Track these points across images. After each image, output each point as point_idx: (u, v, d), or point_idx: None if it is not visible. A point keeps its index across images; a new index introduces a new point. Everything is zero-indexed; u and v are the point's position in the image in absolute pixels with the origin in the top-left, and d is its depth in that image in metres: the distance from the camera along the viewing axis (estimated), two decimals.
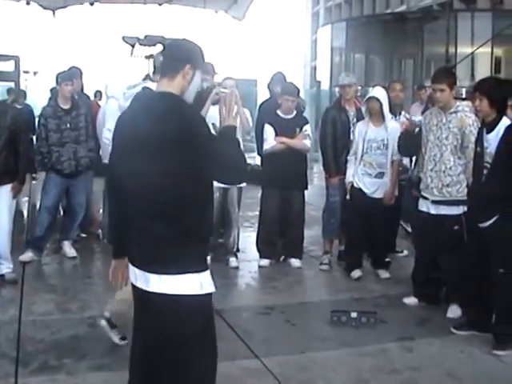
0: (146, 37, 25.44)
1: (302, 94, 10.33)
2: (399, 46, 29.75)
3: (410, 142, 6.88)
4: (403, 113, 8.41)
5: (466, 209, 6.22)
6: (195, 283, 3.49)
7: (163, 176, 3.41)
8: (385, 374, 5.15)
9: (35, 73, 37.66)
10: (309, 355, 5.53)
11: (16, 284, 7.24)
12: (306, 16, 43.98)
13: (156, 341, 3.58)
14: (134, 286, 3.65)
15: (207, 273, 3.56)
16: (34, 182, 13.82)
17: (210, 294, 3.57)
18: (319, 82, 32.31)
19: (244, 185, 8.15)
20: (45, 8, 14.10)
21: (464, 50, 23.73)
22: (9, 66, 28.62)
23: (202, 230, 3.61)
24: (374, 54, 32.00)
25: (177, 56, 3.65)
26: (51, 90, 13.72)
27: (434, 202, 6.46)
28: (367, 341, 5.82)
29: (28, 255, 8.13)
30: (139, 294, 3.60)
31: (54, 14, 14.12)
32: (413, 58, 30.25)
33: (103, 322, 5.43)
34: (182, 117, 3.45)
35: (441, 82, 6.25)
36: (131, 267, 3.64)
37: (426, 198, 6.55)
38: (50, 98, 9.17)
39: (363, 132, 7.53)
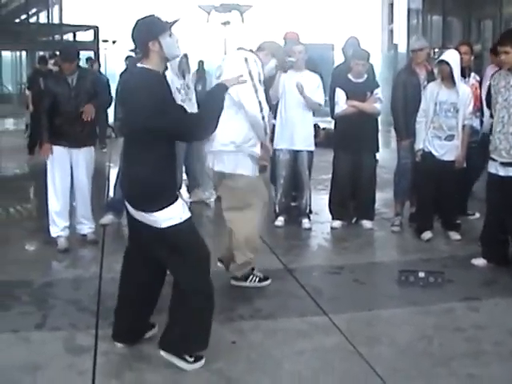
0: (221, 4, 25.58)
1: (379, 58, 10.38)
2: (477, 6, 29.06)
3: None
4: (473, 74, 8.40)
5: None
6: (165, 218, 4.36)
7: (131, 130, 4.40)
8: (448, 332, 5.26)
9: (114, 42, 38.20)
10: (375, 313, 5.71)
11: (97, 244, 7.61)
12: None
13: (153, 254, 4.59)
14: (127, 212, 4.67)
15: (173, 206, 4.39)
16: (104, 150, 14.30)
17: (181, 223, 4.42)
18: (396, 45, 31.92)
19: (313, 148, 8.31)
20: None
21: None
22: (88, 36, 29.17)
23: (167, 174, 4.45)
24: (452, 16, 31.37)
25: (139, 39, 4.41)
26: (126, 60, 14.05)
27: (503, 164, 6.48)
28: (433, 300, 5.94)
29: (108, 218, 8.47)
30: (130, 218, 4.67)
31: None
32: (492, 19, 29.63)
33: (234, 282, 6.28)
34: (143, 88, 4.28)
35: (505, 45, 6.25)
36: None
37: (494, 160, 6.58)
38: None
39: (435, 93, 7.53)
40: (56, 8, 39.41)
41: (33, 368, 4.56)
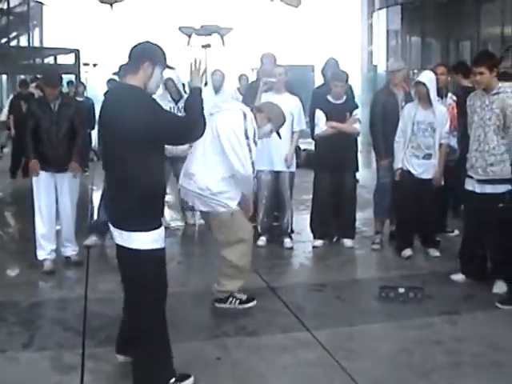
0: (202, 27, 25.73)
1: (358, 79, 10.54)
2: (456, 27, 29.47)
3: None
4: (450, 94, 8.60)
5: (510, 187, 6.42)
6: (144, 240, 4.37)
7: (120, 148, 4.33)
8: (428, 345, 5.39)
9: (95, 65, 38.34)
10: (356, 328, 5.84)
11: (81, 266, 7.69)
12: (361, 0, 43.78)
13: (123, 279, 4.61)
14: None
15: (156, 231, 4.42)
16: (86, 173, 14.33)
17: (158, 249, 4.48)
18: (375, 65, 32.32)
19: (294, 169, 8.46)
20: (102, 2, 14.50)
21: None
22: (69, 59, 29.31)
23: (154, 198, 4.46)
24: (431, 37, 31.78)
25: (138, 55, 4.43)
26: (108, 82, 14.17)
27: (479, 181, 6.64)
28: (413, 315, 6.08)
29: (92, 239, 8.57)
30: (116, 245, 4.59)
31: (111, 6, 14.50)
32: (470, 40, 30.00)
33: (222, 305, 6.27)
34: (135, 102, 4.27)
35: (480, 65, 6.44)
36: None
37: (471, 177, 6.75)
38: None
39: (412, 113, 7.71)
40: (37, 31, 39.58)
41: None
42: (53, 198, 7.58)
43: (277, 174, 8.43)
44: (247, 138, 5.75)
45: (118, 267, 4.70)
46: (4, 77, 32.77)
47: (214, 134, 5.78)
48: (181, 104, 8.52)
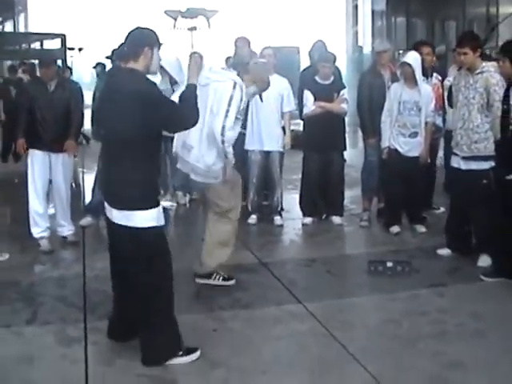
0: (187, 9, 25.77)
1: (344, 60, 10.69)
2: (441, 7, 29.53)
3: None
4: (435, 74, 8.80)
5: (493, 164, 6.64)
6: (143, 218, 4.60)
7: (122, 130, 4.55)
8: (415, 316, 5.64)
9: (80, 49, 38.29)
10: (346, 300, 6.10)
11: (78, 245, 7.89)
12: None
13: (123, 259, 4.79)
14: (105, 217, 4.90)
15: (154, 210, 4.65)
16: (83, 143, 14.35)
17: (157, 227, 4.68)
18: (361, 47, 32.36)
19: (285, 149, 8.66)
20: None
21: (506, 9, 23.66)
22: (55, 44, 29.28)
23: (152, 177, 4.73)
24: (416, 17, 31.86)
25: (137, 42, 4.66)
26: (95, 67, 14.29)
27: (464, 158, 6.86)
28: (400, 287, 6.32)
29: (87, 220, 8.74)
30: (108, 222, 4.86)
31: None
32: (455, 20, 30.12)
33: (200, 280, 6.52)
34: (139, 86, 4.52)
35: (464, 46, 6.65)
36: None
37: (456, 155, 6.97)
38: (98, 75, 9.74)
39: (398, 94, 7.92)
40: (22, 16, 39.43)
41: (28, 359, 4.85)
42: (47, 178, 7.76)
43: (267, 154, 8.64)
44: (229, 104, 5.95)
45: (113, 247, 4.96)
46: None
47: (207, 106, 5.98)
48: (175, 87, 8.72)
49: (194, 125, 4.84)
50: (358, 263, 7.04)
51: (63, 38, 28.73)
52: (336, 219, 8.83)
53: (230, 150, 6.10)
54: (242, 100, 6.07)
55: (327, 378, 4.64)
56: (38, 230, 7.74)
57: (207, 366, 4.73)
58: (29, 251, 7.69)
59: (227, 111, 5.97)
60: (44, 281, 6.75)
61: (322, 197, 8.96)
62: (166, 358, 4.76)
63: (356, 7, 37.91)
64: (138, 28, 4.77)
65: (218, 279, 6.49)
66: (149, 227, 4.63)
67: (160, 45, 4.84)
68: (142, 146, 4.57)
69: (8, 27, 36.03)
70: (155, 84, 4.78)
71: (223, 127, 5.95)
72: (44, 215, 7.78)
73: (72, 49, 35.26)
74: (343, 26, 44.82)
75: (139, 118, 4.44)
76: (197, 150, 6.03)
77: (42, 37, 30.91)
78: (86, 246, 7.87)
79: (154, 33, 4.78)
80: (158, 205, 4.73)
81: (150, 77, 4.77)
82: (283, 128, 8.71)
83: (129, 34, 4.72)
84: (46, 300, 6.13)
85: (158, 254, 4.72)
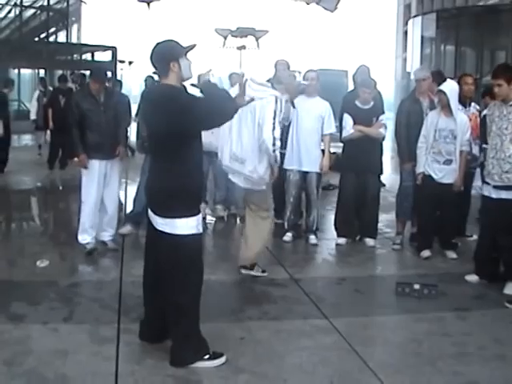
0: (237, 28, 26.09)
1: (392, 86, 10.85)
2: (491, 37, 29.63)
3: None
4: (473, 104, 8.97)
5: None
6: (185, 226, 4.87)
7: (162, 139, 4.85)
8: (437, 337, 5.78)
9: (130, 62, 38.95)
10: (371, 318, 6.28)
11: (117, 251, 8.18)
12: (397, 7, 44.00)
13: (159, 264, 5.04)
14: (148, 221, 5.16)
15: (195, 218, 4.93)
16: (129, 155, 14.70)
17: (196, 234, 4.97)
18: (409, 73, 32.49)
19: (322, 170, 8.87)
20: (140, 1, 14.92)
21: None
22: (106, 56, 29.91)
23: (192, 184, 4.96)
24: (465, 46, 31.94)
25: (161, 60, 4.93)
26: (146, 80, 14.69)
27: (495, 187, 7.02)
28: (426, 309, 6.46)
29: (127, 228, 9.05)
30: (149, 227, 5.13)
31: (148, 6, 14.92)
32: (505, 50, 30.13)
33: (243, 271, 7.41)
34: (169, 95, 4.84)
35: (498, 78, 6.83)
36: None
37: (488, 184, 7.13)
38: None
39: (434, 121, 8.10)
40: (75, 28, 40.31)
41: (63, 353, 5.14)
42: (102, 186, 8.10)
43: (305, 174, 8.85)
44: (274, 117, 6.70)
45: (150, 254, 5.24)
46: (42, 72, 33.40)
47: (255, 122, 6.78)
48: None
49: (231, 115, 5.09)
50: (387, 284, 7.19)
51: (114, 50, 29.43)
52: (369, 241, 9.00)
53: (278, 154, 6.99)
54: (282, 111, 6.82)
55: None
56: (87, 237, 8.09)
57: (231, 371, 4.96)
58: (70, 256, 8.03)
59: (274, 124, 6.70)
60: (82, 283, 7.04)
61: (356, 218, 9.14)
62: (193, 361, 4.99)
63: (406, 33, 38.08)
64: (158, 44, 4.99)
65: (258, 270, 7.39)
66: (189, 234, 4.90)
67: (186, 49, 5.01)
68: (183, 154, 4.83)
69: (61, 37, 36.82)
70: (186, 92, 5.04)
71: (274, 138, 6.70)
72: (95, 225, 8.14)
73: (122, 62, 35.93)
74: (393, 51, 45.00)
75: (175, 122, 4.70)
76: (250, 162, 6.85)
77: (93, 48, 31.68)
78: (124, 253, 8.15)
79: (175, 42, 5.01)
80: (199, 212, 5.00)
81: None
82: (323, 150, 8.92)
83: (152, 53, 4.98)
84: (82, 301, 6.43)
85: (192, 260, 4.99)
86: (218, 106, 4.90)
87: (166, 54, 4.93)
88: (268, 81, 7.77)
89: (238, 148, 6.87)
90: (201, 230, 5.04)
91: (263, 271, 7.41)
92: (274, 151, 6.75)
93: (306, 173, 8.84)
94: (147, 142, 7.15)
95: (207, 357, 5.03)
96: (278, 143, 6.78)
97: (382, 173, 9.10)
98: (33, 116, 17.78)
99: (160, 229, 4.96)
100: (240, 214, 10.14)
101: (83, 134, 7.89)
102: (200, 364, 4.99)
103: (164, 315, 5.09)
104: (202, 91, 5.18)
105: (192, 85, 7.06)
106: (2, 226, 10.31)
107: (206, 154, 9.05)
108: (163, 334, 5.21)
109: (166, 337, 5.15)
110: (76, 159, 8.02)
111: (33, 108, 17.91)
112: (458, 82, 8.79)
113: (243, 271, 7.36)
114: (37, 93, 18.17)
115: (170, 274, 4.98)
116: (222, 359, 5.08)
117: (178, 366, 4.96)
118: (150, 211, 5.10)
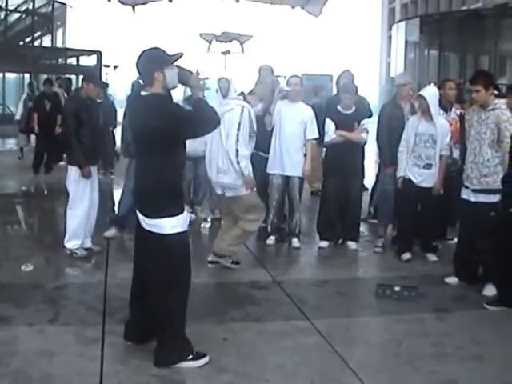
0: (222, 33, 26.16)
1: (376, 90, 10.99)
2: (474, 42, 29.85)
3: None
4: (453, 109, 9.10)
5: (501, 197, 6.92)
6: (170, 225, 4.99)
7: (147, 144, 5.01)
8: (416, 337, 5.92)
9: (115, 66, 38.98)
10: (352, 319, 6.40)
11: (101, 254, 8.27)
12: (381, 12, 44.25)
13: (148, 264, 5.15)
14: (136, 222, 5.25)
15: (180, 216, 5.05)
16: (112, 176, 14.81)
17: (182, 232, 5.08)
18: (393, 78, 32.69)
19: (304, 174, 8.98)
20: (124, 4, 14.93)
21: None
22: (91, 61, 29.93)
23: (176, 184, 5.12)
24: (449, 51, 32.16)
25: (146, 69, 5.05)
26: (133, 85, 14.78)
27: (474, 191, 7.16)
28: (406, 311, 6.59)
29: (112, 231, 9.13)
30: (137, 228, 5.24)
31: (133, 10, 14.94)
32: (488, 55, 30.35)
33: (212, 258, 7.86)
34: (157, 106, 4.96)
35: (476, 84, 6.98)
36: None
37: (466, 187, 7.27)
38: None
39: (415, 125, 8.22)
40: (60, 32, 40.20)
41: (49, 354, 5.23)
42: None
43: (287, 179, 8.95)
44: (238, 129, 7.13)
45: (139, 255, 5.32)
46: (27, 75, 33.37)
47: (224, 133, 7.21)
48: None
49: (213, 128, 5.29)
50: (368, 286, 7.30)
51: (99, 54, 29.43)
52: (351, 244, 9.11)
53: (247, 165, 7.40)
54: (251, 120, 7.15)
55: None
56: (77, 242, 8.17)
57: (214, 371, 5.06)
58: (55, 259, 8.11)
59: (237, 136, 7.11)
60: (67, 286, 7.13)
61: (338, 221, 9.25)
62: (177, 361, 5.09)
63: (390, 38, 38.31)
64: (143, 53, 5.10)
65: (227, 261, 7.85)
66: (175, 233, 5.02)
67: (172, 58, 5.12)
68: (167, 157, 4.98)
69: (46, 42, 36.77)
70: (171, 101, 5.22)
71: (236, 150, 7.12)
72: (84, 227, 8.22)
73: (107, 66, 35.94)
74: (377, 56, 45.21)
75: (160, 128, 4.87)
76: (232, 171, 7.35)
77: (78, 52, 31.67)
78: (109, 256, 8.23)
79: (162, 51, 5.12)
80: (183, 211, 5.11)
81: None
82: (305, 155, 9.02)
83: (138, 58, 5.09)
84: (68, 303, 6.53)
85: (180, 260, 5.11)
86: (201, 118, 5.08)
87: (152, 64, 5.03)
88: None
89: (216, 159, 7.41)
90: (186, 228, 5.14)
91: (235, 262, 7.86)
92: (238, 163, 7.18)
93: (289, 177, 8.94)
94: (132, 146, 7.29)
95: (191, 357, 5.13)
96: (244, 153, 7.19)
97: (363, 177, 9.22)
98: (17, 116, 17.84)
99: (147, 228, 5.07)
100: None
101: (80, 141, 7.94)
102: (184, 364, 5.09)
103: (150, 316, 5.17)
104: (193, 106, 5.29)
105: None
106: None
107: (191, 160, 9.26)
108: (148, 335, 5.30)
109: (151, 337, 5.25)
110: (79, 169, 8.01)
111: (19, 109, 18.00)
112: (440, 87, 8.95)
113: (211, 258, 7.87)
114: (24, 95, 18.28)
115: (158, 274, 5.07)
116: (206, 359, 5.17)
117: (162, 366, 5.05)
118: (138, 212, 5.19)
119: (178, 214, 5.04)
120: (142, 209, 5.13)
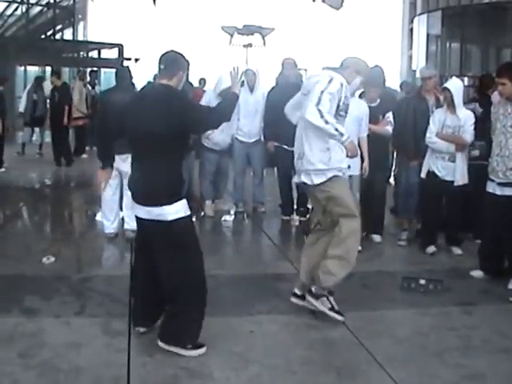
0: (244, 26, 26.10)
1: (398, 83, 10.85)
2: (496, 35, 29.58)
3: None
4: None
5: None
6: (174, 210, 5.04)
7: (155, 134, 4.99)
8: (443, 330, 5.91)
9: (136, 60, 39.01)
10: (378, 313, 6.37)
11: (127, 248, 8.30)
12: (403, 5, 43.97)
13: (159, 255, 5.18)
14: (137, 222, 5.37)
15: (181, 202, 5.09)
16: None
17: (186, 217, 5.14)
18: (414, 71, 32.46)
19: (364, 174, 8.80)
20: None
21: None
22: (112, 54, 29.91)
23: (177, 170, 5.13)
24: (471, 44, 31.89)
25: (175, 65, 5.27)
26: (154, 78, 14.86)
27: (499, 184, 7.14)
28: (431, 304, 6.58)
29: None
30: (138, 220, 5.32)
31: (154, 2, 14.92)
32: (510, 48, 30.08)
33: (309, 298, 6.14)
34: (175, 99, 5.12)
35: (502, 77, 6.93)
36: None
37: (492, 180, 7.23)
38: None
39: (442, 118, 8.18)
40: (81, 25, 40.30)
41: (76, 345, 5.27)
42: None
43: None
44: (321, 93, 5.69)
45: (142, 242, 5.44)
46: (48, 69, 33.46)
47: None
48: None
49: (213, 127, 5.64)
50: (393, 279, 7.28)
51: (121, 47, 29.44)
52: (376, 237, 9.10)
53: (338, 126, 5.73)
54: (342, 94, 5.84)
55: (352, 381, 4.95)
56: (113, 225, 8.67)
57: (242, 363, 5.08)
58: (81, 250, 8.22)
59: (319, 98, 5.66)
60: (93, 278, 7.15)
61: (363, 215, 9.19)
62: (176, 344, 5.16)
63: (411, 31, 38.06)
64: (173, 51, 5.36)
65: (325, 306, 6.09)
66: (178, 218, 5.07)
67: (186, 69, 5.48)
68: (172, 145, 5.07)
69: (67, 35, 36.86)
70: (185, 94, 5.39)
71: (319, 111, 5.62)
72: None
73: (129, 59, 36.01)
74: (398, 49, 44.89)
75: (172, 120, 4.97)
76: (308, 152, 5.94)
77: (99, 46, 31.69)
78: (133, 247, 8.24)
79: (185, 59, 5.42)
80: (184, 196, 5.16)
81: None
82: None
83: (167, 55, 5.31)
84: (94, 295, 6.57)
85: (188, 243, 5.17)
86: (221, 112, 5.32)
87: (182, 63, 5.34)
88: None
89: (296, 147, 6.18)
90: (188, 213, 5.17)
91: (336, 311, 6.07)
92: (326, 122, 5.59)
93: (350, 176, 8.68)
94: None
95: (190, 346, 5.18)
96: (331, 120, 5.64)
97: (390, 170, 9.17)
98: (20, 109, 17.78)
99: (148, 218, 5.11)
100: (248, 212, 10.26)
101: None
102: (181, 351, 5.14)
103: (158, 302, 5.37)
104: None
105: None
106: (12, 221, 10.40)
107: (216, 153, 9.30)
108: (156, 319, 5.48)
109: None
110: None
111: (22, 102, 17.84)
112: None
113: (295, 299, 6.35)
114: (28, 87, 18.16)
115: (169, 261, 5.13)
116: (203, 349, 5.20)
117: (171, 344, 5.16)
118: (137, 206, 5.21)
119: (179, 200, 5.09)
120: (140, 198, 5.17)
